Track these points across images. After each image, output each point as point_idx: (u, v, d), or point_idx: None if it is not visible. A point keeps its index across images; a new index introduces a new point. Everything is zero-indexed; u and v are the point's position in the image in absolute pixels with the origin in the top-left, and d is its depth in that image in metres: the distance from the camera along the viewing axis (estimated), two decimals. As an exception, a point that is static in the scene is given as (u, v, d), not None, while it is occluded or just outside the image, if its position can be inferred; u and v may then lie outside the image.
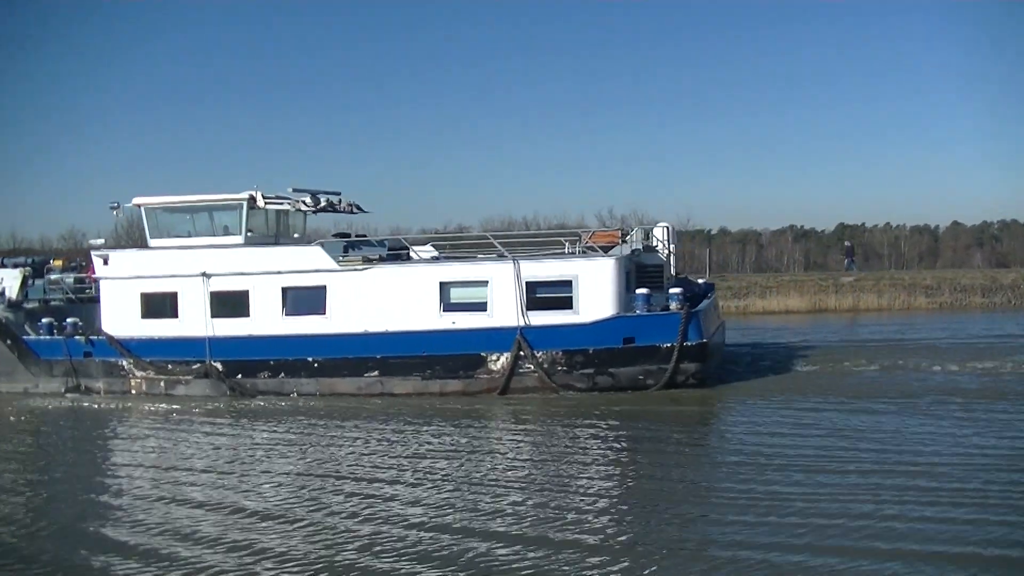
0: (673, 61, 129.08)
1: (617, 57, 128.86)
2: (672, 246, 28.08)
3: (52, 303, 30.87)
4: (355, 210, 31.74)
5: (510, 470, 16.69)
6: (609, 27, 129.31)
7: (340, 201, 30.74)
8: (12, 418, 25.44)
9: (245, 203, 27.62)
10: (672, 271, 28.07)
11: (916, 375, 25.64)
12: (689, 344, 23.90)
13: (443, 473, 16.55)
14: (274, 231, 29.39)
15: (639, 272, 26.60)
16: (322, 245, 26.83)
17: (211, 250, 27.29)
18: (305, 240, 29.66)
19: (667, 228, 28.10)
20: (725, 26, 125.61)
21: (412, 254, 27.66)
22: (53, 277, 31.71)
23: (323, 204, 29.60)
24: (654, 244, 27.86)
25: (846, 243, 70.43)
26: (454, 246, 30.98)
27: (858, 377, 25.67)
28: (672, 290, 24.69)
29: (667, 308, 24.38)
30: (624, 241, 26.71)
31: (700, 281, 31.78)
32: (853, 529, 12.27)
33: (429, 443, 19.46)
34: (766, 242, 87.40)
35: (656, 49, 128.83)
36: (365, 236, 31.18)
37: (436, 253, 28.80)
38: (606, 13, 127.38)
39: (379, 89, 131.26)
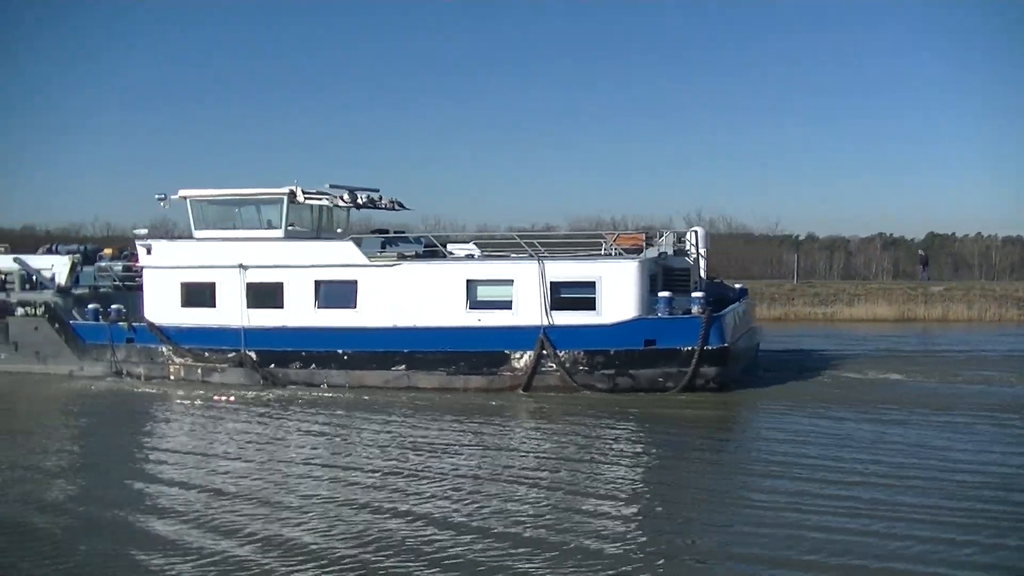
0: (762, 62, 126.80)
1: (702, 60, 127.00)
2: (703, 250, 28.15)
3: (101, 290, 31.86)
4: (397, 207, 32.36)
5: (528, 468, 16.98)
6: (695, 26, 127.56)
7: (380, 198, 31.37)
8: (57, 399, 26.41)
9: (285, 198, 28.28)
10: (703, 275, 28.15)
11: (967, 388, 25.57)
12: (710, 348, 24.06)
13: (463, 469, 16.88)
14: (316, 226, 30.08)
15: (666, 275, 26.77)
16: (354, 241, 27.39)
17: (248, 243, 28.04)
18: (348, 236, 30.25)
19: (695, 232, 28.18)
20: (817, 27, 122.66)
21: (453, 251, 28.17)
22: (102, 265, 32.76)
23: (363, 201, 30.27)
24: (686, 248, 28.02)
25: (920, 252, 69.31)
26: (494, 246, 31.35)
27: (891, 387, 25.50)
28: (694, 294, 24.83)
29: (689, 312, 24.56)
30: (650, 244, 26.90)
31: (737, 286, 31.95)
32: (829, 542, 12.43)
33: (451, 439, 19.78)
34: (854, 249, 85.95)
35: (745, 50, 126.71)
36: (404, 233, 31.73)
37: (478, 252, 29.24)
38: (701, 11, 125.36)
39: (473, 84, 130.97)
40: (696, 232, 28.46)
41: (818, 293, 52.28)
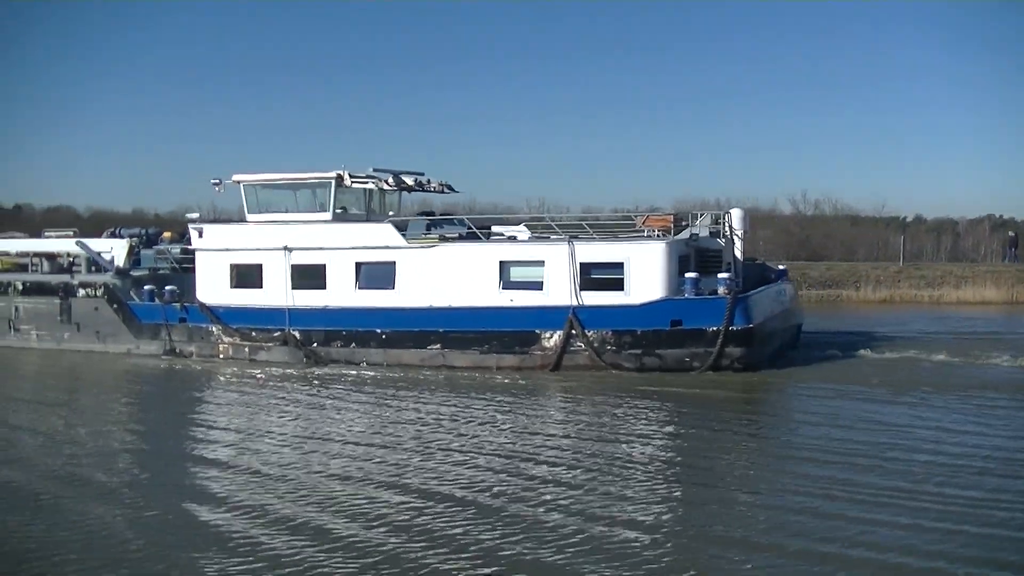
0: (867, 42, 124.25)
1: (806, 40, 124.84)
2: (739, 231, 28.22)
3: (160, 272, 33.18)
4: (446, 190, 33.09)
5: (555, 447, 17.14)
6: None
7: (429, 181, 32.10)
8: (115, 376, 27.74)
9: (333, 181, 29.13)
10: (738, 256, 28.20)
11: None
12: (735, 328, 24.28)
13: (494, 447, 17.14)
14: (366, 208, 30.90)
15: (699, 256, 26.97)
16: (395, 223, 28.12)
17: (292, 225, 28.98)
18: (394, 218, 30.94)
19: (727, 214, 28.20)
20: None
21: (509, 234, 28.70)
22: (161, 247, 34.08)
23: (410, 184, 31.04)
24: (726, 229, 28.16)
25: (1010, 233, 67.55)
26: (544, 228, 31.80)
27: (936, 369, 25.28)
28: (720, 275, 25.02)
29: (715, 292, 24.79)
30: (680, 226, 27.12)
31: (780, 267, 32.01)
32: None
33: (483, 416, 20.11)
34: (963, 231, 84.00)
35: (848, 31, 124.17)
36: (449, 215, 32.40)
37: (529, 234, 29.74)
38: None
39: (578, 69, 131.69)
40: (731, 213, 28.56)
41: (924, 275, 51.47)
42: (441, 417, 20.17)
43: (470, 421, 19.75)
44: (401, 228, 28.38)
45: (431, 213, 32.16)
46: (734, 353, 24.44)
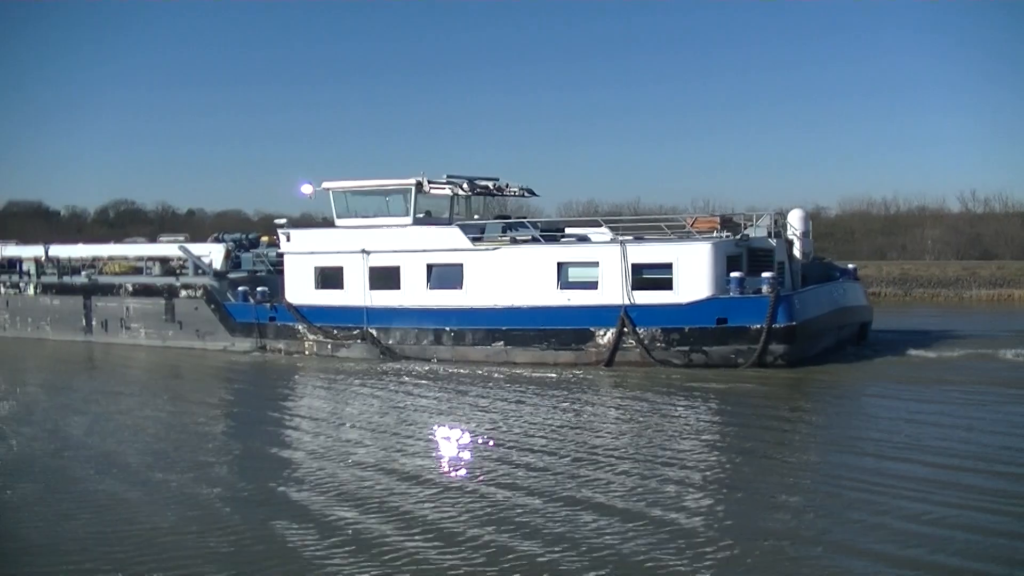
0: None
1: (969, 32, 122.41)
2: (799, 231, 29.05)
3: (257, 273, 35.64)
4: (526, 194, 34.83)
5: (611, 442, 17.77)
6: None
7: (507, 185, 33.81)
8: (212, 371, 30.15)
9: (413, 187, 31.00)
10: (797, 255, 29.00)
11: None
12: (778, 326, 25.20)
13: (558, 442, 17.91)
14: (449, 213, 32.69)
15: (751, 256, 27.88)
16: (460, 226, 29.80)
17: (369, 230, 30.97)
18: (470, 221, 32.54)
19: (776, 216, 29.12)
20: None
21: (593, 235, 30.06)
22: (258, 251, 36.56)
23: (490, 188, 32.87)
24: (786, 230, 29.08)
25: None
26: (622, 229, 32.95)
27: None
28: (764, 274, 25.94)
29: (759, 291, 25.74)
30: (729, 227, 28.08)
31: (850, 266, 32.65)
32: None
33: (544, 413, 21.04)
34: None
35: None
36: (525, 219, 33.93)
37: (611, 235, 30.96)
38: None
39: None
40: (791, 215, 29.46)
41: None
42: (505, 413, 21.09)
43: (530, 415, 20.69)
44: (478, 231, 30.10)
45: (506, 216, 33.76)
46: (777, 350, 25.38)
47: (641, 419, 20.21)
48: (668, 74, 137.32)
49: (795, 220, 29.30)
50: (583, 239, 30.25)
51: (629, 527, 12.62)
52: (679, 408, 21.30)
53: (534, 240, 29.41)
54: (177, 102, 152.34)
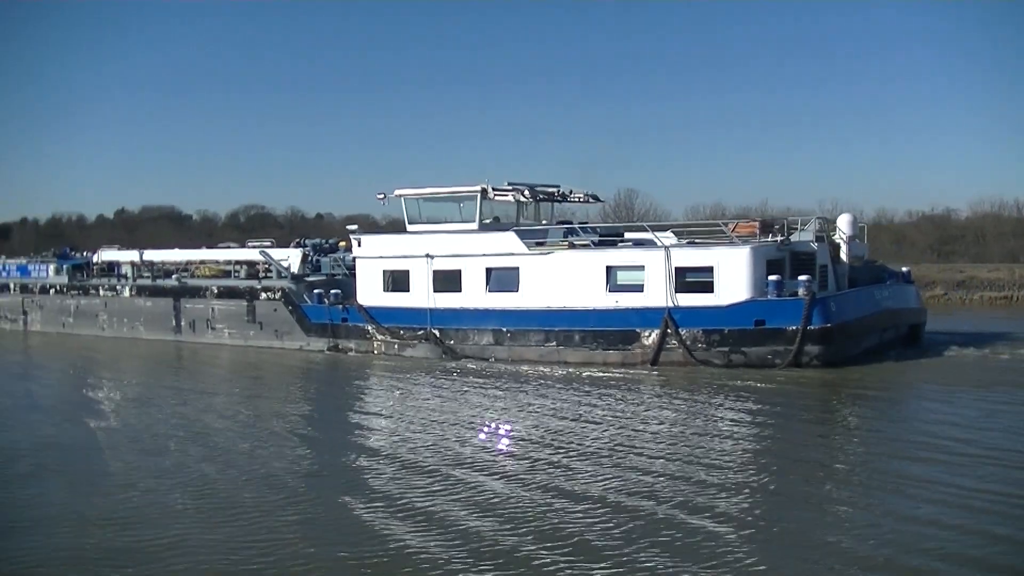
0: None
1: None
2: (846, 235, 29.86)
3: (335, 277, 37.71)
4: (591, 200, 36.35)
5: (655, 441, 18.39)
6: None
7: (571, 192, 35.31)
8: (290, 368, 32.11)
9: (479, 194, 32.66)
10: (844, 258, 29.81)
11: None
12: (813, 328, 26.09)
13: (605, 440, 18.62)
14: (516, 218, 34.26)
15: (794, 260, 28.72)
16: (516, 232, 31.30)
17: (433, 235, 32.76)
18: (533, 227, 33.94)
19: (821, 220, 30.04)
20: None
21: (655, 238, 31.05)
22: (336, 256, 38.64)
23: (553, 194, 34.41)
24: (834, 234, 29.96)
25: None
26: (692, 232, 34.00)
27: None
28: (801, 277, 26.85)
29: (795, 294, 26.68)
30: (765, 231, 29.04)
31: (903, 269, 33.31)
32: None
33: (594, 410, 21.91)
34: None
35: None
36: (586, 223, 35.31)
37: (675, 239, 32.01)
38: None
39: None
40: (840, 219, 30.37)
41: None
42: (556, 409, 22.21)
43: (578, 412, 21.69)
44: (535, 236, 31.59)
45: (569, 222, 35.19)
46: (813, 351, 26.26)
47: (684, 420, 20.75)
48: (801, 79, 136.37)
49: (843, 224, 30.15)
50: (640, 243, 31.40)
51: (657, 527, 13.04)
52: (718, 407, 22.12)
53: (585, 245, 30.72)
54: (305, 107, 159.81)
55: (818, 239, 29.28)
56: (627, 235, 33.53)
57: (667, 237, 31.71)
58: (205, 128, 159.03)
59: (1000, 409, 20.82)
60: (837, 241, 29.89)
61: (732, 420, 20.58)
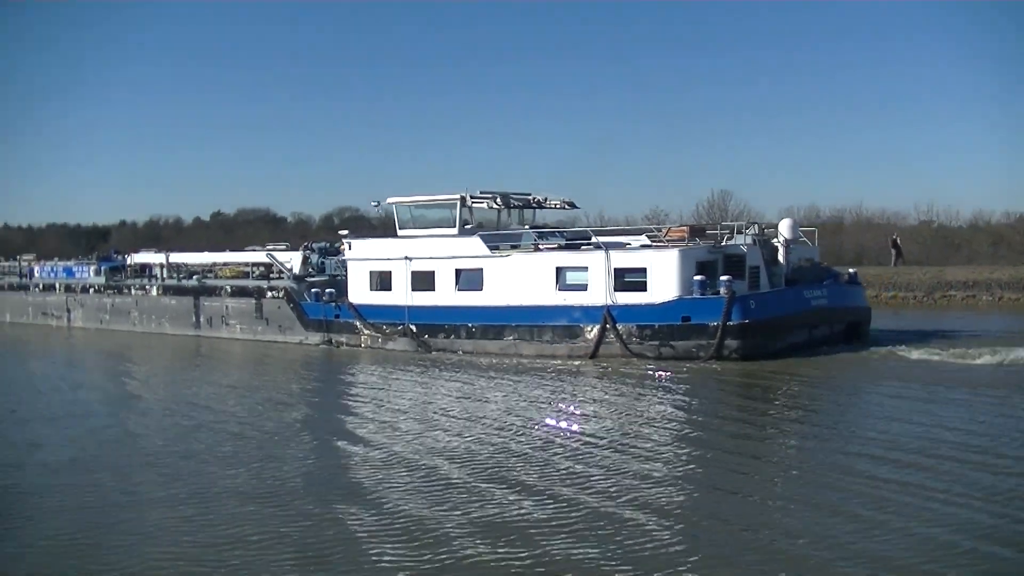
0: None
1: None
2: (782, 239, 32.05)
3: (336, 277, 40.90)
4: (567, 207, 38.97)
5: (588, 431, 19.70)
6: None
7: (546, 199, 37.99)
8: (291, 360, 35.09)
9: (458, 202, 35.54)
10: (781, 260, 31.95)
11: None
12: (732, 323, 28.40)
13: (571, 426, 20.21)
14: (496, 224, 37.01)
15: (727, 261, 30.96)
16: (481, 236, 34.07)
17: (412, 240, 35.71)
18: (512, 231, 36.65)
19: (760, 225, 32.26)
20: None
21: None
22: (339, 257, 41.83)
23: (528, 202, 37.09)
24: (771, 237, 32.25)
25: (893, 236, 63.30)
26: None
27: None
28: (722, 277, 29.15)
29: (717, 292, 29.01)
30: (705, 235, 31.42)
31: (850, 271, 35.46)
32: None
33: (548, 401, 23.68)
34: None
35: None
36: (557, 228, 37.93)
37: (648, 241, 34.44)
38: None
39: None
40: (781, 224, 32.55)
41: None
42: (518, 397, 24.44)
43: (534, 403, 23.49)
44: (500, 240, 34.34)
45: (543, 226, 37.74)
46: (732, 344, 28.55)
47: (617, 406, 22.71)
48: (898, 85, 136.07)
49: (784, 229, 32.30)
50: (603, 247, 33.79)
51: (592, 513, 13.83)
52: (648, 393, 24.35)
53: (538, 249, 33.40)
54: (383, 112, 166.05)
55: (754, 243, 31.52)
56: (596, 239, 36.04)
57: (638, 239, 34.14)
58: (298, 133, 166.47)
59: (890, 402, 22.05)
60: (775, 244, 32.08)
61: (650, 406, 22.49)
